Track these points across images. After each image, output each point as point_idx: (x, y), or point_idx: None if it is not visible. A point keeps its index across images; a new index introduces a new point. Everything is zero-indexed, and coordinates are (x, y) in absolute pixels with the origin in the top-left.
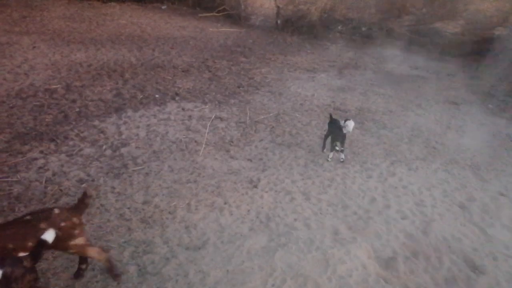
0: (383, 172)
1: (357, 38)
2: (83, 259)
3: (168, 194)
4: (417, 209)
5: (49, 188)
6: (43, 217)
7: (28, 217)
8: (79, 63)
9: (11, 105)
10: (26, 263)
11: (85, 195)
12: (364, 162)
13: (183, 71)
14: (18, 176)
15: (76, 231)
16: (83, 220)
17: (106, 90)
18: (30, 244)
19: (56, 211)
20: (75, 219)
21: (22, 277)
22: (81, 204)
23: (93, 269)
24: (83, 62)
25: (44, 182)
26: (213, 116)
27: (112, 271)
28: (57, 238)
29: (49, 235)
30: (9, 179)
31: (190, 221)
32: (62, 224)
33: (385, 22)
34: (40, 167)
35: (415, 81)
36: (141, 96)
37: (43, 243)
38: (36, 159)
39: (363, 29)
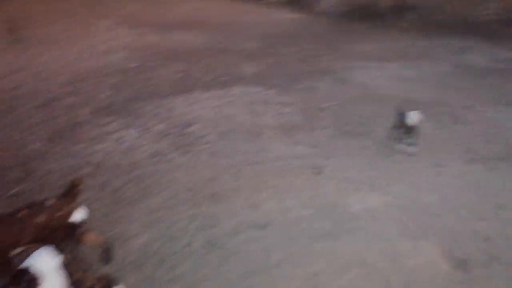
0: (457, 169)
1: (432, 27)
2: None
3: (234, 174)
4: (495, 211)
5: (124, 159)
6: (37, 211)
7: (20, 213)
8: (151, 45)
9: (91, 82)
10: (69, 250)
11: (73, 184)
12: (436, 157)
13: (248, 56)
14: (98, 147)
15: (70, 220)
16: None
17: (176, 71)
18: (26, 239)
19: (48, 202)
20: (70, 206)
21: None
22: (73, 191)
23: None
24: (155, 44)
25: (120, 153)
26: (278, 101)
27: (107, 254)
28: (49, 231)
29: (79, 215)
30: (90, 148)
31: (255, 201)
32: (58, 214)
33: (465, 9)
34: (116, 140)
35: (496, 75)
36: (208, 79)
37: (75, 226)
38: (113, 132)
39: (439, 17)
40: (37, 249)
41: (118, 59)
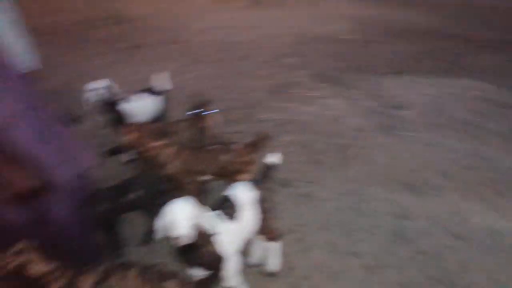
0: None
1: None
2: None
3: (439, 171)
4: None
5: (328, 126)
6: (223, 150)
7: (210, 148)
8: (373, 19)
9: (311, 47)
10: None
11: (260, 137)
12: None
13: (483, 46)
14: (307, 108)
15: (248, 167)
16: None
17: (396, 50)
18: (209, 171)
19: (235, 146)
20: (251, 156)
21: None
22: (259, 142)
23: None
24: (377, 18)
25: (325, 119)
26: (506, 102)
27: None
28: (228, 170)
29: (274, 158)
30: (300, 108)
31: (458, 207)
32: (239, 159)
33: None
34: (324, 106)
35: None
36: (430, 64)
37: (270, 167)
38: (323, 98)
39: None
40: (239, 181)
41: (339, 29)
